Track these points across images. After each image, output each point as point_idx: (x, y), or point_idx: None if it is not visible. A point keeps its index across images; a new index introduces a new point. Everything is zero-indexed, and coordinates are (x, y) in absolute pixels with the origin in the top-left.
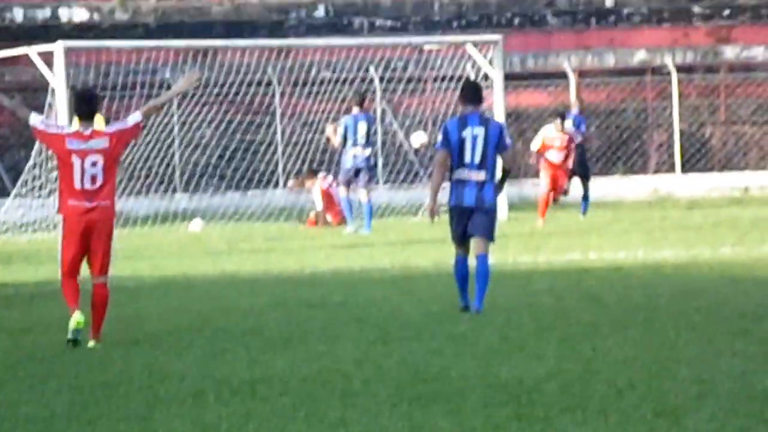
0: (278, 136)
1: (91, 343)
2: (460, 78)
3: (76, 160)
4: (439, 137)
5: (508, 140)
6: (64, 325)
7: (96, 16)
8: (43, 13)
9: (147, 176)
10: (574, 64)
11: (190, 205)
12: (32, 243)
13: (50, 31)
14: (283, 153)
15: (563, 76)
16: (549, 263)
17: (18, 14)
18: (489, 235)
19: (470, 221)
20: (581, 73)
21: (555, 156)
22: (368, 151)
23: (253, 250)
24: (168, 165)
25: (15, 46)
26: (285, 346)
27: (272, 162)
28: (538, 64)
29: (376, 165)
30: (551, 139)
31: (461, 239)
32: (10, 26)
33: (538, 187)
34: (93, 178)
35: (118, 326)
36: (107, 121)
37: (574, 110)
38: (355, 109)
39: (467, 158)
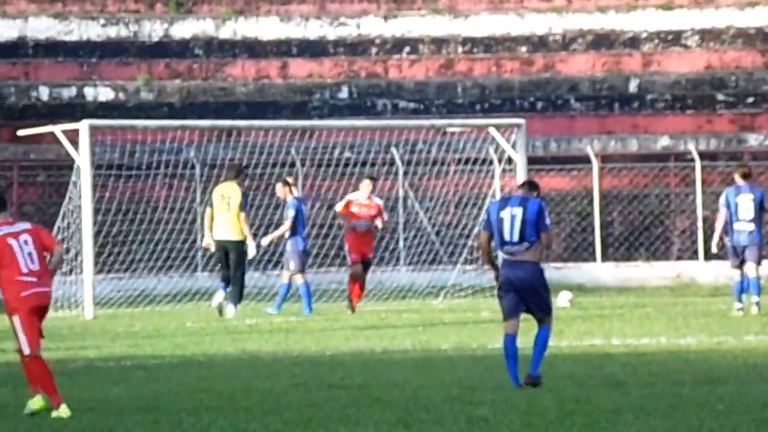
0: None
1: (64, 411)
2: (483, 161)
3: (12, 242)
4: (484, 217)
5: (548, 221)
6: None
7: (121, 96)
8: (68, 92)
9: (169, 255)
10: (597, 148)
11: (211, 283)
12: (55, 320)
13: (75, 109)
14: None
15: (586, 160)
16: (571, 348)
17: (44, 93)
18: (548, 311)
19: (526, 301)
20: (604, 158)
21: None
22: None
23: (274, 330)
24: (191, 243)
25: (40, 124)
26: (305, 427)
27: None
28: (561, 148)
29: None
30: None
31: (512, 314)
32: (35, 104)
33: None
34: (30, 256)
35: (139, 405)
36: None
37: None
38: (294, 192)
39: (506, 236)
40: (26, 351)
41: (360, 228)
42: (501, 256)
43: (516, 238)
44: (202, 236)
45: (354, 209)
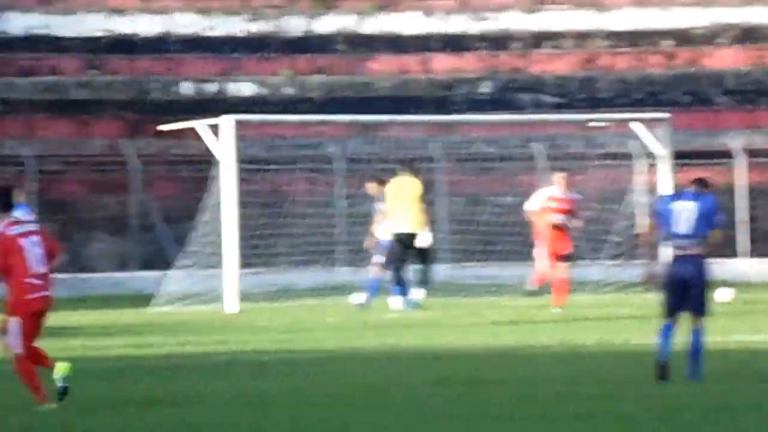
0: (441, 211)
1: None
2: (624, 155)
3: (23, 242)
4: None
5: (721, 218)
6: (225, 397)
7: (264, 91)
8: (211, 87)
9: (308, 250)
10: (742, 143)
11: (350, 277)
12: (196, 314)
13: (218, 104)
14: (447, 228)
15: (730, 155)
16: (721, 344)
17: (187, 88)
18: (704, 311)
19: (685, 296)
20: (750, 153)
21: None
22: None
23: (411, 324)
24: (330, 238)
25: (183, 119)
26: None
27: (436, 238)
28: (705, 143)
29: None
30: None
31: (673, 312)
32: (178, 100)
33: None
34: (39, 258)
35: (282, 400)
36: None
37: None
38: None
39: (678, 229)
40: (21, 351)
41: (555, 222)
42: (671, 252)
43: (688, 231)
44: (342, 232)
45: (551, 204)
